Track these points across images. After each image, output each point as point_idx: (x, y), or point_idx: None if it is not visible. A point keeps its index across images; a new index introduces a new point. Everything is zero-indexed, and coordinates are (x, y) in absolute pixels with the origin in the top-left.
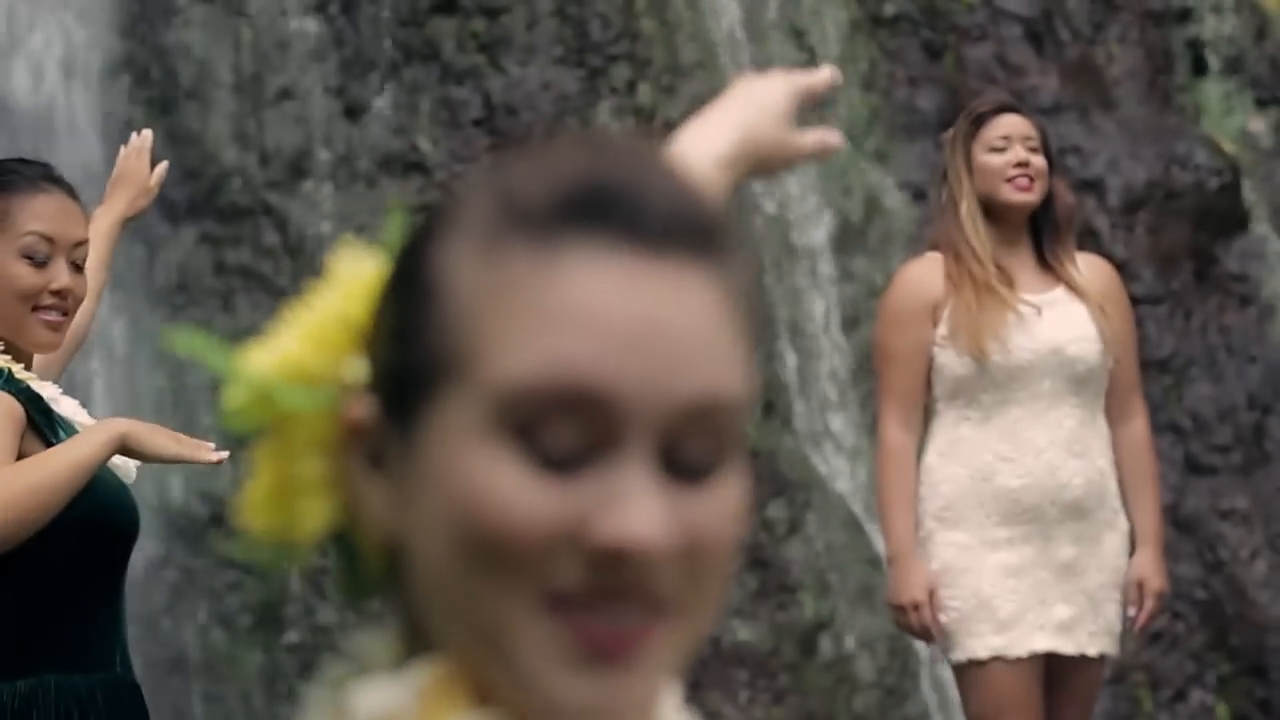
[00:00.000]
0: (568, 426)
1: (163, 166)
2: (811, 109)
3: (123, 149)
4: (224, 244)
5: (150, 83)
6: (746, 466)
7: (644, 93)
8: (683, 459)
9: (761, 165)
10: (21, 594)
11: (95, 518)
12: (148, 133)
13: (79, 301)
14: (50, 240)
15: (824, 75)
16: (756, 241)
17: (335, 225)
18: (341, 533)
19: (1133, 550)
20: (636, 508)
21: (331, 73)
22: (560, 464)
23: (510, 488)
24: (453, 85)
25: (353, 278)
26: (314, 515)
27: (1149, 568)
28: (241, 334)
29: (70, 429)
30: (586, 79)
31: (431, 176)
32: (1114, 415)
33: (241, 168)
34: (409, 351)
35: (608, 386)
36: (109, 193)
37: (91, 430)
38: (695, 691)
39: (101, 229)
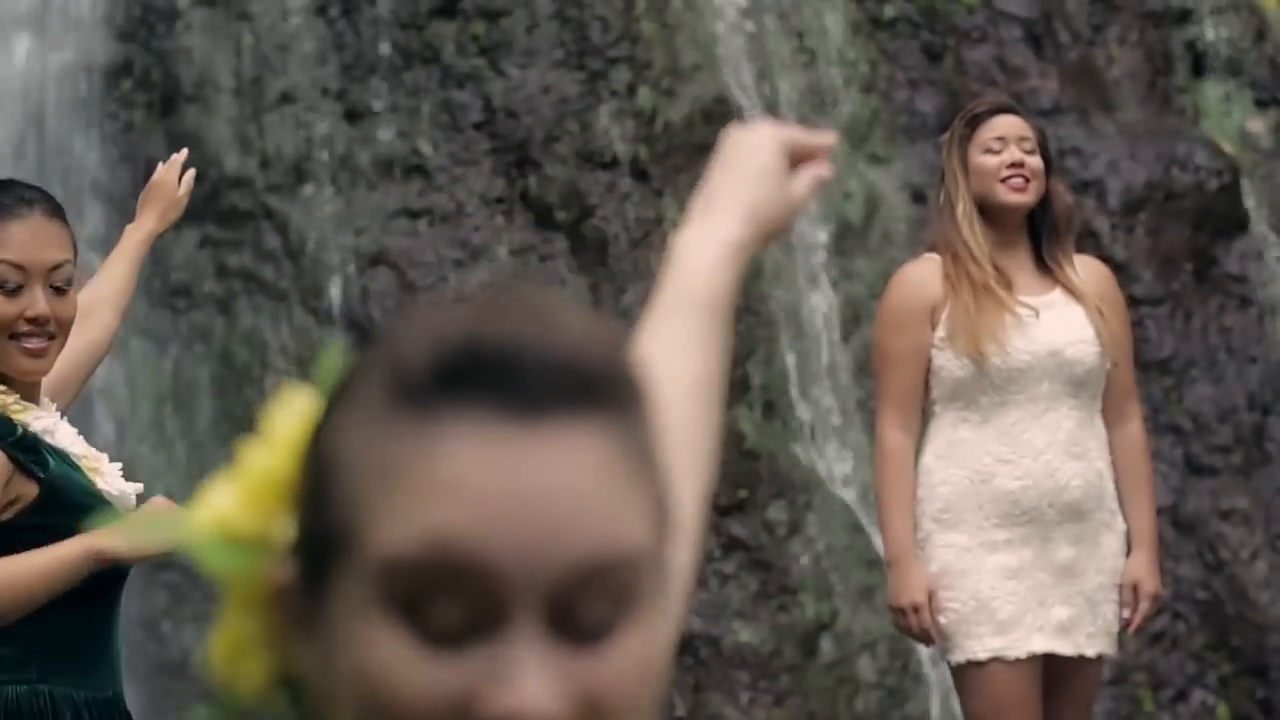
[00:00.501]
0: (451, 601)
1: (190, 175)
2: (814, 111)
3: (160, 166)
4: (225, 247)
5: (151, 86)
6: (657, 619)
7: (644, 95)
8: (577, 622)
9: (771, 233)
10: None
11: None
12: (183, 153)
13: (66, 323)
14: (21, 268)
15: (826, 139)
16: None
17: (336, 229)
18: (287, 683)
19: (1129, 552)
20: (525, 682)
21: (332, 76)
22: (446, 639)
23: (397, 666)
24: (453, 88)
25: (286, 432)
26: (257, 669)
27: (1143, 570)
28: (242, 337)
29: (64, 460)
30: (586, 82)
31: (432, 179)
32: (1110, 417)
33: (243, 171)
34: (314, 523)
35: (487, 558)
36: (139, 208)
37: (69, 545)
38: (696, 693)
39: (129, 245)
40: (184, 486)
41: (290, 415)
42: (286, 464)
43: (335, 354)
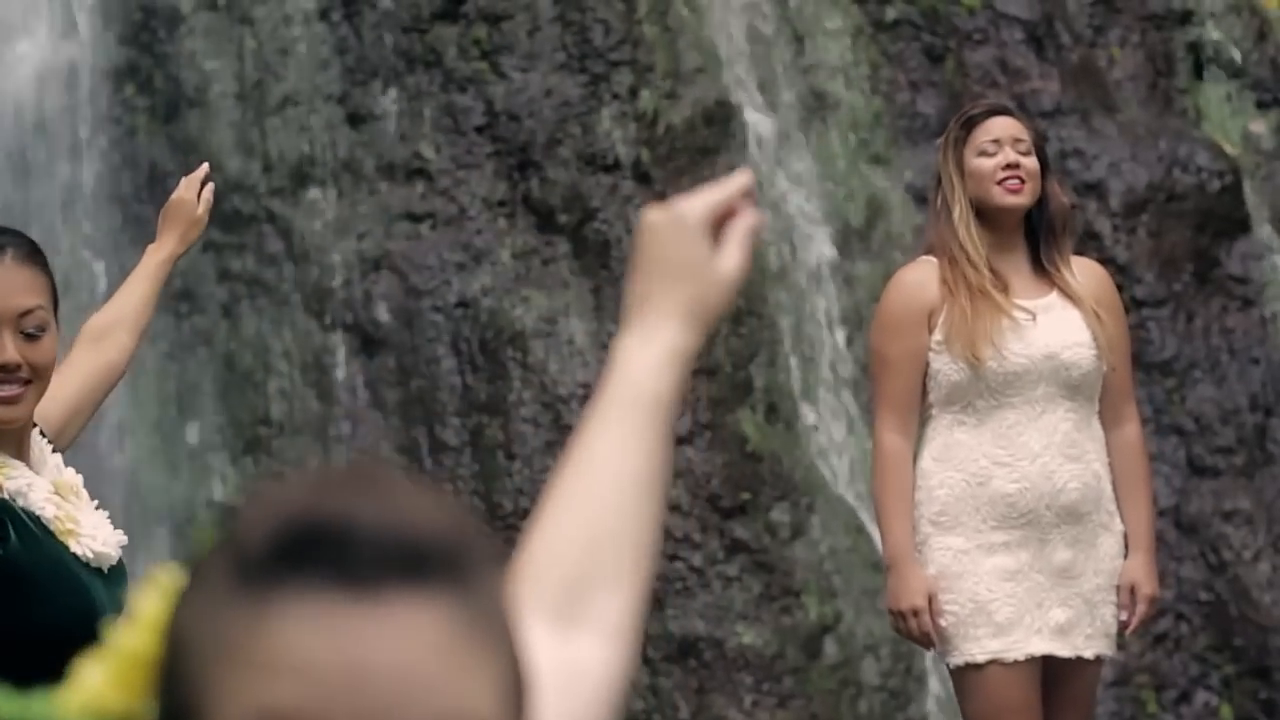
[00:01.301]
0: None
1: (209, 193)
2: (814, 114)
3: (182, 183)
4: (227, 251)
5: (154, 90)
6: None
7: (646, 98)
8: None
9: (713, 320)
10: None
11: (35, 634)
12: (204, 167)
13: (41, 368)
14: None
15: (741, 180)
16: (758, 246)
17: (338, 232)
18: None
19: (1127, 554)
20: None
21: (334, 80)
22: None
23: None
24: (455, 92)
25: (151, 611)
26: None
27: (1141, 573)
28: (245, 341)
29: (32, 523)
30: (588, 85)
31: (434, 183)
32: (1107, 420)
33: (245, 175)
34: (167, 702)
35: None
36: (160, 229)
37: None
38: (700, 695)
39: (149, 267)
40: (187, 491)
41: (157, 595)
42: (151, 644)
43: (209, 530)
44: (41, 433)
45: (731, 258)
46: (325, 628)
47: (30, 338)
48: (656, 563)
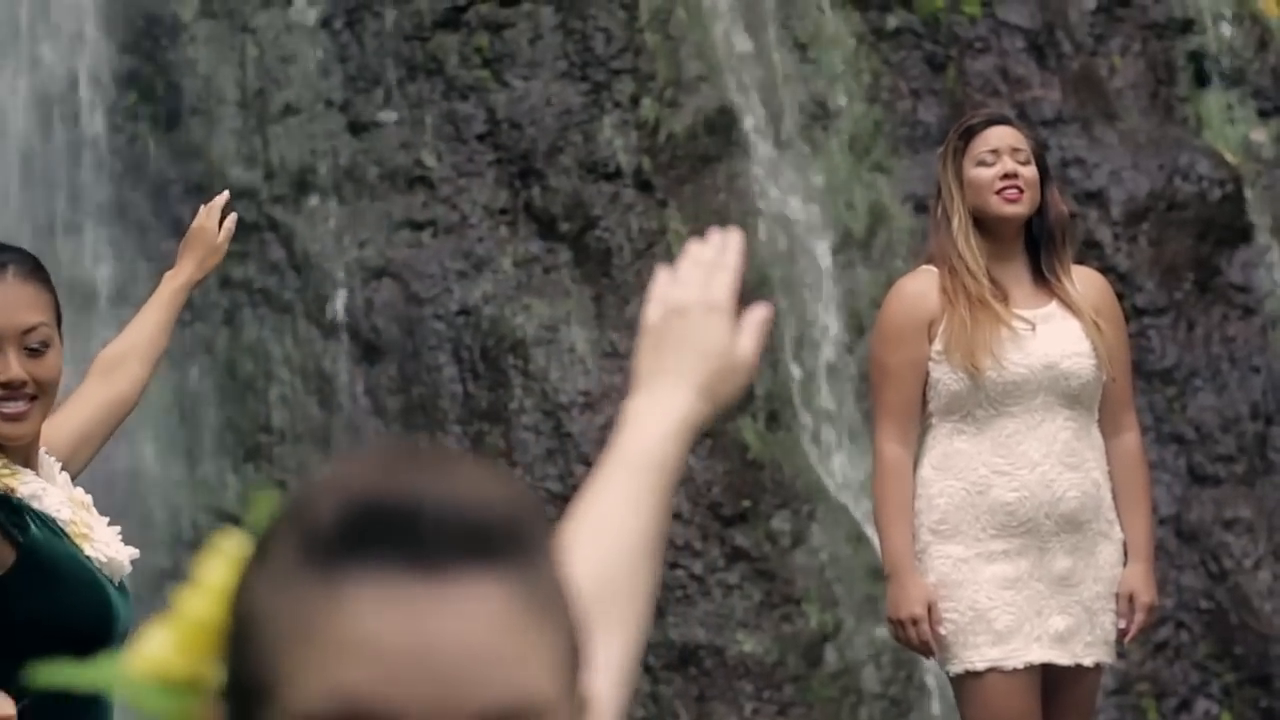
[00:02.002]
0: None
1: (231, 222)
2: (816, 122)
3: (202, 209)
4: (229, 259)
5: (156, 99)
6: None
7: (647, 107)
8: None
9: (726, 403)
10: None
11: (58, 622)
12: (224, 195)
13: (45, 383)
14: None
15: (734, 241)
16: (761, 254)
17: (340, 240)
18: None
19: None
20: None
21: (336, 88)
22: None
23: None
24: (457, 100)
25: (217, 579)
26: None
27: (1139, 581)
28: (247, 349)
29: (48, 525)
30: (590, 93)
31: (436, 191)
32: (1107, 429)
33: (247, 183)
34: (237, 674)
35: (394, 714)
36: (179, 255)
37: None
38: (700, 704)
39: (165, 295)
40: (190, 498)
41: (222, 562)
42: (217, 611)
43: (268, 501)
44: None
45: (747, 345)
46: (397, 609)
47: (34, 353)
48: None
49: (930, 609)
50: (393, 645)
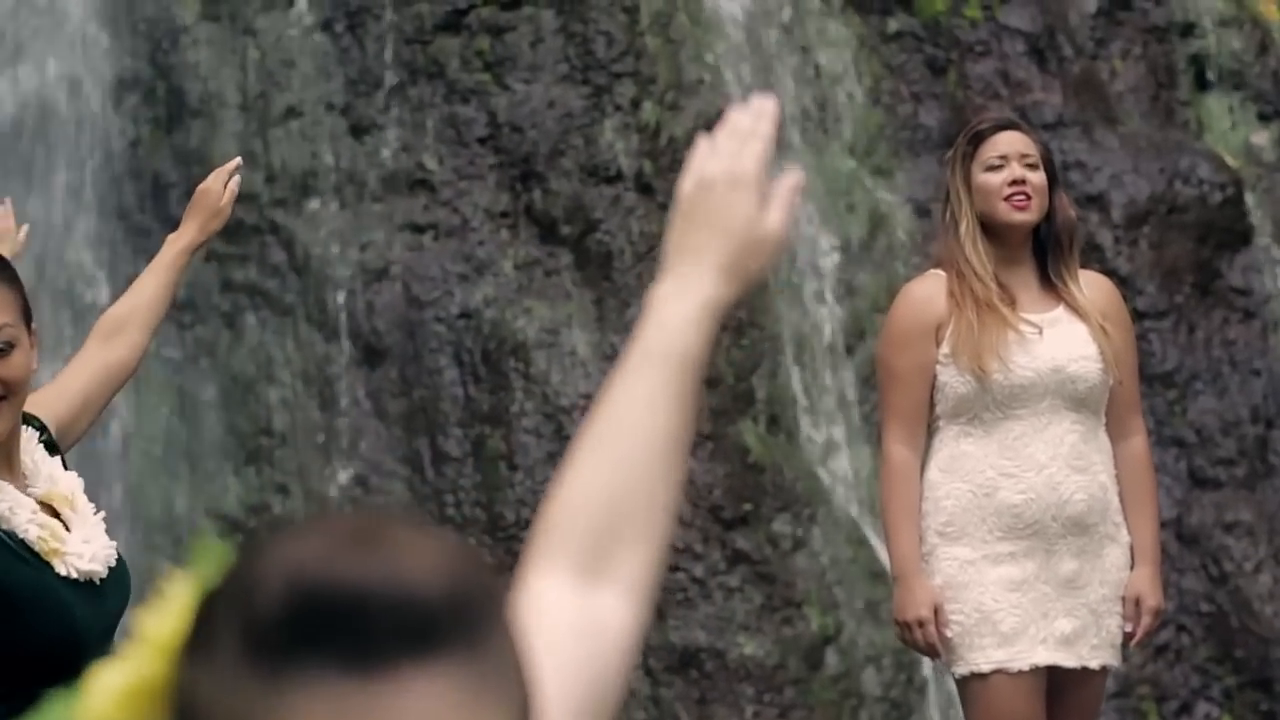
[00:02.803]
0: None
1: (235, 184)
2: (817, 125)
3: (215, 171)
4: (230, 262)
5: (157, 101)
6: None
7: (648, 110)
8: None
9: (753, 282)
10: None
11: (16, 653)
12: (236, 160)
13: (14, 384)
14: None
15: (768, 107)
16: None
17: (341, 243)
18: None
19: (1133, 565)
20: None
21: (337, 91)
22: None
23: None
24: (458, 103)
25: (162, 634)
26: None
27: (1146, 585)
28: (248, 351)
29: (12, 548)
30: (591, 96)
31: (437, 194)
32: (1114, 432)
33: (248, 186)
34: None
35: None
36: (184, 218)
37: None
38: (701, 706)
39: (166, 258)
40: (190, 500)
41: (168, 615)
42: (161, 671)
43: (215, 553)
44: (42, 433)
45: (776, 218)
46: (340, 712)
47: (7, 350)
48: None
49: (936, 612)
50: None
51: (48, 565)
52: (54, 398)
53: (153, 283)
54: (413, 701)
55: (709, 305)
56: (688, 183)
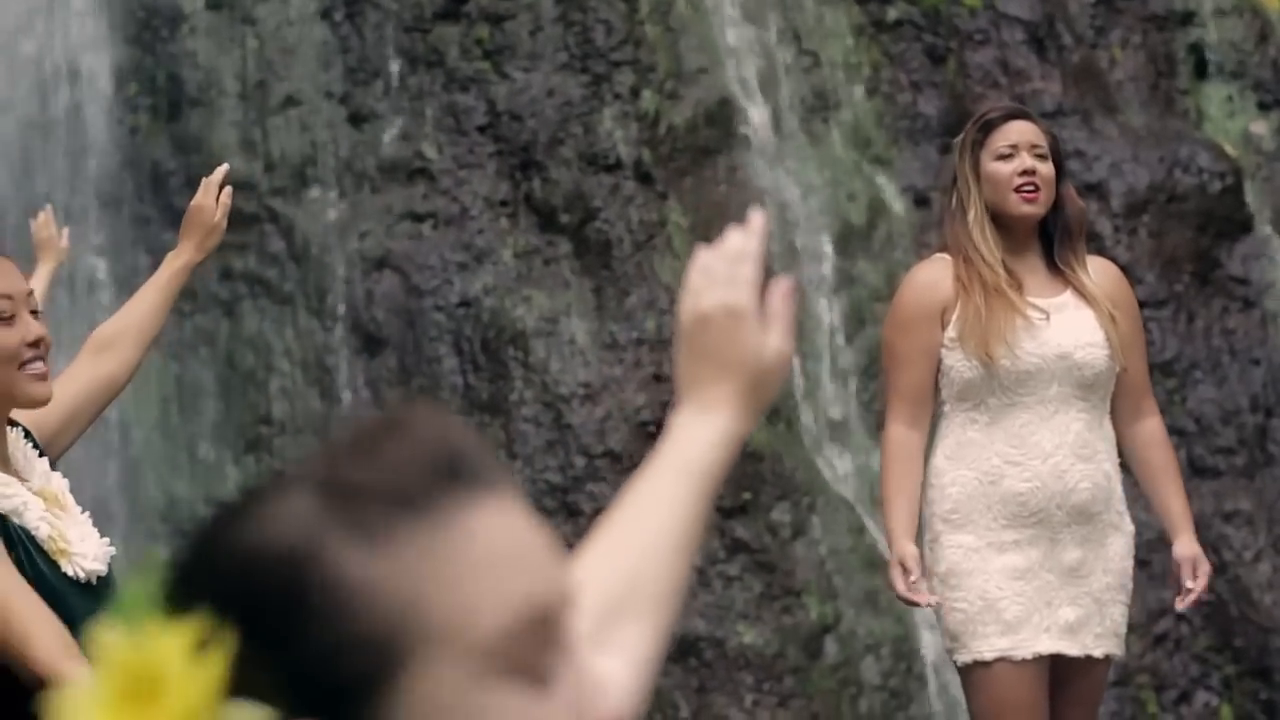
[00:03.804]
0: (543, 646)
1: (227, 198)
2: (816, 114)
3: (203, 184)
4: (229, 250)
5: (156, 90)
6: None
7: (647, 98)
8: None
9: (763, 404)
10: None
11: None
12: (224, 167)
13: (49, 347)
14: (9, 297)
15: (756, 222)
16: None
17: (340, 232)
18: None
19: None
20: (609, 692)
21: (337, 80)
22: (544, 678)
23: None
24: (458, 92)
25: (138, 649)
26: None
27: (1194, 548)
28: (247, 340)
29: (25, 545)
30: (590, 85)
31: (436, 183)
32: (1128, 415)
33: (247, 175)
34: (334, 662)
35: (552, 600)
36: (181, 236)
37: None
38: (700, 695)
39: (163, 277)
40: (189, 489)
41: (105, 675)
42: (167, 666)
43: (156, 572)
44: (27, 434)
45: (777, 340)
46: (502, 522)
47: (35, 315)
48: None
49: (914, 566)
50: (519, 548)
51: (54, 565)
52: (41, 412)
53: (148, 300)
54: (516, 506)
55: (730, 436)
56: (686, 314)
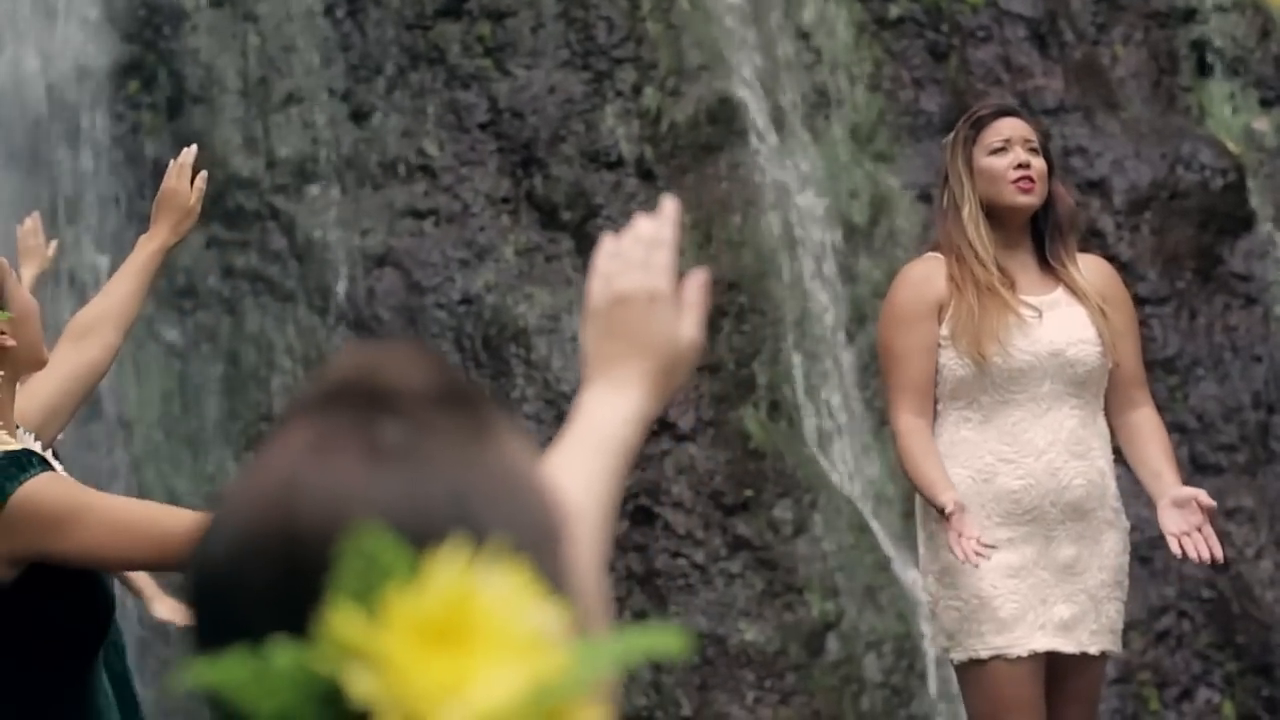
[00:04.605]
0: None
1: (201, 181)
2: (818, 111)
3: (170, 168)
4: (231, 248)
5: (158, 87)
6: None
7: (649, 95)
8: None
9: (672, 388)
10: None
11: (56, 634)
12: (192, 149)
13: None
14: None
15: (669, 210)
16: (762, 243)
17: (342, 229)
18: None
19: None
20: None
21: (338, 77)
22: None
23: None
24: (459, 89)
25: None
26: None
27: (1190, 489)
28: (249, 337)
29: None
30: (592, 82)
31: (438, 180)
32: (1122, 406)
33: (249, 172)
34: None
35: None
36: (153, 218)
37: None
38: (702, 692)
39: (139, 260)
40: (191, 487)
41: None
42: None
43: (372, 537)
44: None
45: (691, 328)
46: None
47: None
48: (656, 561)
49: (958, 511)
50: None
51: None
52: (24, 400)
53: (125, 284)
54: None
55: (640, 416)
56: (598, 293)
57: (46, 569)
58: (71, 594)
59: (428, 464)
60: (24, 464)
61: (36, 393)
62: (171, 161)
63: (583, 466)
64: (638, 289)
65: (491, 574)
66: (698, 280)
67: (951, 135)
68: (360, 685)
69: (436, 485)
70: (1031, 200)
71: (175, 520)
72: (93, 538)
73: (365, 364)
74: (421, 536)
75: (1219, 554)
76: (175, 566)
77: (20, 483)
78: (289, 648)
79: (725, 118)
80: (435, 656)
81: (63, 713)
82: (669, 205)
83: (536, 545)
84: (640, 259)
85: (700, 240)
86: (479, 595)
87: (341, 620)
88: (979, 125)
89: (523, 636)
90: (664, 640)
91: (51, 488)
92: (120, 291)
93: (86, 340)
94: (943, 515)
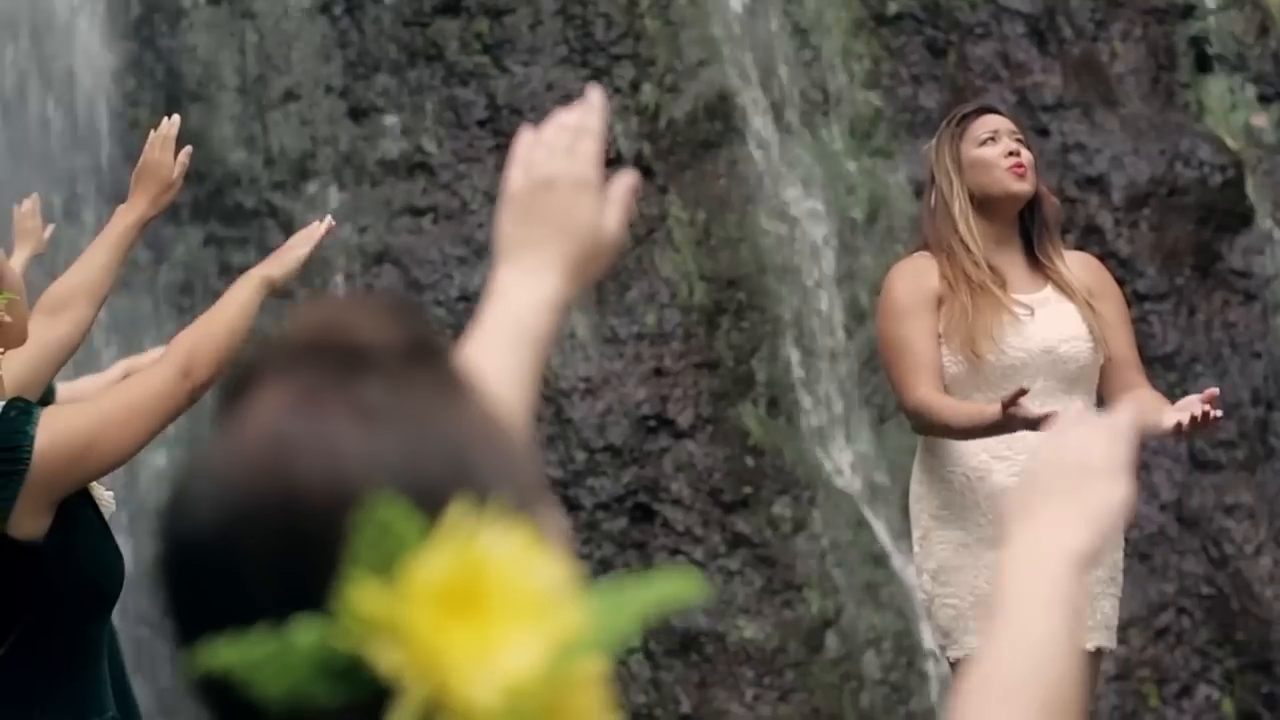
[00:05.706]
0: None
1: (185, 153)
2: (816, 108)
3: (151, 133)
4: (229, 245)
5: (156, 84)
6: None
7: (647, 92)
8: None
9: (591, 280)
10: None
11: (82, 584)
12: (175, 120)
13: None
14: None
15: (594, 99)
16: (761, 239)
17: (340, 226)
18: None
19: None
20: None
21: (336, 74)
22: None
23: None
24: (457, 86)
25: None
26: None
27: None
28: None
29: None
30: (590, 79)
31: (436, 177)
32: (1117, 393)
33: (247, 169)
34: None
35: None
36: (132, 189)
37: (242, 286)
38: (701, 690)
39: (115, 232)
40: None
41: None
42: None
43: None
44: None
45: (614, 221)
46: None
47: None
48: (655, 558)
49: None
50: None
51: (91, 501)
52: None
53: (100, 257)
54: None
55: (554, 301)
56: (519, 176)
57: (65, 515)
58: (88, 535)
59: (419, 422)
60: (24, 408)
61: (10, 368)
62: (152, 131)
63: (504, 361)
64: (563, 175)
65: (500, 534)
66: (627, 179)
67: (936, 136)
68: (387, 660)
69: (433, 444)
70: (1025, 187)
71: (161, 376)
72: (115, 444)
73: (332, 320)
74: (424, 497)
75: (1216, 414)
76: (181, 411)
77: (35, 424)
78: (310, 625)
79: (723, 114)
80: (458, 626)
81: (85, 670)
82: (594, 94)
83: (529, 498)
84: (565, 146)
85: (698, 237)
86: (493, 558)
87: (362, 594)
88: (964, 121)
89: (539, 597)
90: (677, 587)
91: (62, 418)
92: (94, 264)
93: (59, 316)
94: (1005, 412)
